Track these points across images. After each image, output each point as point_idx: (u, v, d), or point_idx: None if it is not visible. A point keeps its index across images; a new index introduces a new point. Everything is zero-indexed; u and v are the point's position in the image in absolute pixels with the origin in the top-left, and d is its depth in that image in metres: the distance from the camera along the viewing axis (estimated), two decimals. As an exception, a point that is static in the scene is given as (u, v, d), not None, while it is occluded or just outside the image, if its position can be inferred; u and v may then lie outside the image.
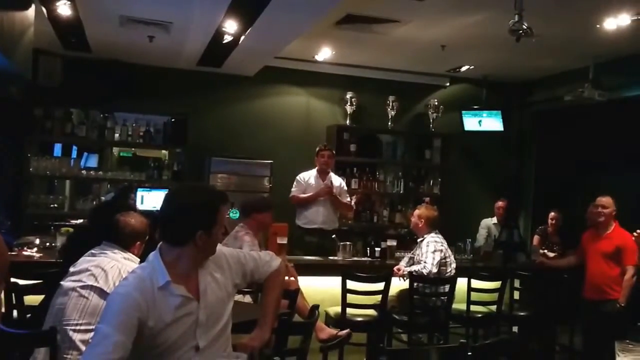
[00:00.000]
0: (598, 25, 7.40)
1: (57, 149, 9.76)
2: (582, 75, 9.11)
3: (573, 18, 7.31)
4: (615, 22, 7.23)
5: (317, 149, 8.43)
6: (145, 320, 2.76)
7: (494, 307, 6.87)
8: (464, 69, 10.29)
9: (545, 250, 8.44)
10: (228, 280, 3.15)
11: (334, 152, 8.60)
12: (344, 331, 5.99)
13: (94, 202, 8.85)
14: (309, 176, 8.33)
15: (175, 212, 2.99)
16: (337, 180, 8.47)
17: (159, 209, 3.06)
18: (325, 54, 9.48)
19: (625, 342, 2.90)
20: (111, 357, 2.60)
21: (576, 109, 9.60)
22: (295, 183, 8.36)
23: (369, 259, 7.80)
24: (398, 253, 7.67)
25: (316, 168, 8.35)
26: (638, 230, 6.10)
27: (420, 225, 6.91)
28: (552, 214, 8.82)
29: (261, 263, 3.41)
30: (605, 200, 6.94)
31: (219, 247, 3.20)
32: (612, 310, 6.62)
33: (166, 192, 3.22)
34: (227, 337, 3.11)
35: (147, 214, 4.34)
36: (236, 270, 3.22)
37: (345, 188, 8.67)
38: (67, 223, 8.10)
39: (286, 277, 6.39)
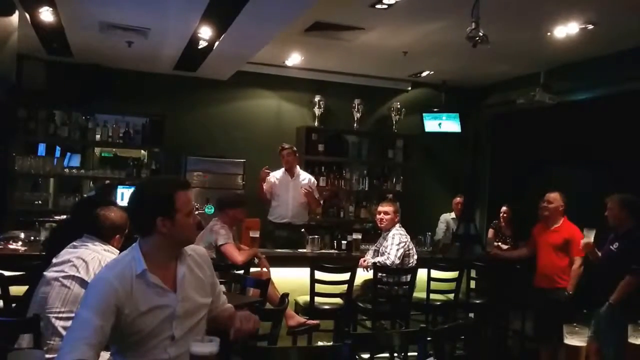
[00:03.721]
0: (549, 34, 7.48)
1: (41, 148, 9.69)
2: (533, 80, 9.21)
3: (526, 26, 7.37)
4: (565, 30, 7.31)
5: (279, 149, 8.47)
6: (122, 308, 2.73)
7: (451, 296, 6.91)
8: (424, 74, 10.34)
9: (499, 243, 8.52)
10: (207, 277, 3.11)
11: (295, 149, 8.57)
12: (313, 321, 6.05)
13: (77, 199, 8.78)
14: (277, 175, 8.41)
15: (134, 204, 2.98)
16: (304, 177, 8.52)
17: None
18: (294, 59, 9.49)
19: (572, 326, 2.94)
20: (90, 341, 2.57)
21: (528, 112, 9.69)
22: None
23: (336, 251, 7.87)
24: (363, 246, 7.72)
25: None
26: (583, 241, 6.16)
27: (396, 220, 6.94)
28: (503, 208, 8.88)
29: (225, 298, 3.36)
30: (552, 196, 7.01)
31: (204, 251, 3.22)
32: (561, 298, 6.70)
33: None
34: (202, 327, 3.06)
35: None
36: (212, 278, 3.18)
37: (315, 183, 8.72)
38: (51, 219, 8.03)
39: (258, 268, 6.50)
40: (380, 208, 7.07)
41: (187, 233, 3.02)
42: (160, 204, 2.90)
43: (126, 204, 3.02)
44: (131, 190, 8.59)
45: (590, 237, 6.03)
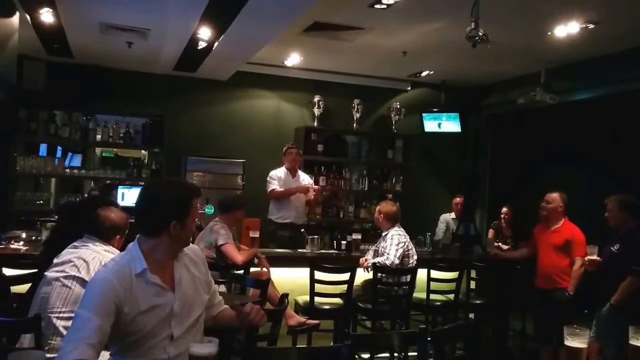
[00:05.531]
0: (549, 33, 7.46)
1: (43, 149, 9.71)
2: (534, 79, 9.19)
3: (526, 26, 7.35)
4: (566, 29, 7.29)
5: (285, 148, 8.48)
6: (121, 306, 2.73)
7: (451, 296, 6.91)
8: (424, 74, 10.34)
9: (500, 243, 8.52)
10: (202, 275, 3.14)
11: (300, 151, 8.64)
12: (313, 321, 6.05)
13: (78, 199, 8.80)
14: (280, 173, 8.38)
15: (151, 204, 2.96)
16: (304, 177, 8.54)
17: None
18: (294, 59, 9.49)
19: (573, 327, 2.93)
20: (90, 341, 2.57)
21: (528, 112, 9.68)
22: (270, 180, 8.33)
23: (336, 251, 7.87)
24: (363, 246, 7.72)
25: (284, 166, 8.40)
26: (587, 257, 6.17)
27: (380, 220, 6.96)
28: (504, 209, 8.89)
29: (221, 297, 3.40)
30: (552, 196, 7.02)
31: (198, 249, 3.23)
32: (562, 299, 6.69)
33: (142, 185, 3.20)
34: (200, 326, 3.08)
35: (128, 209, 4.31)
36: (207, 275, 3.21)
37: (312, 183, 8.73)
38: (53, 219, 8.03)
39: (258, 268, 6.51)
40: (378, 208, 7.08)
41: (189, 237, 3.07)
42: (177, 208, 2.93)
43: (137, 202, 2.99)
44: (132, 190, 8.64)
45: (594, 253, 6.04)
